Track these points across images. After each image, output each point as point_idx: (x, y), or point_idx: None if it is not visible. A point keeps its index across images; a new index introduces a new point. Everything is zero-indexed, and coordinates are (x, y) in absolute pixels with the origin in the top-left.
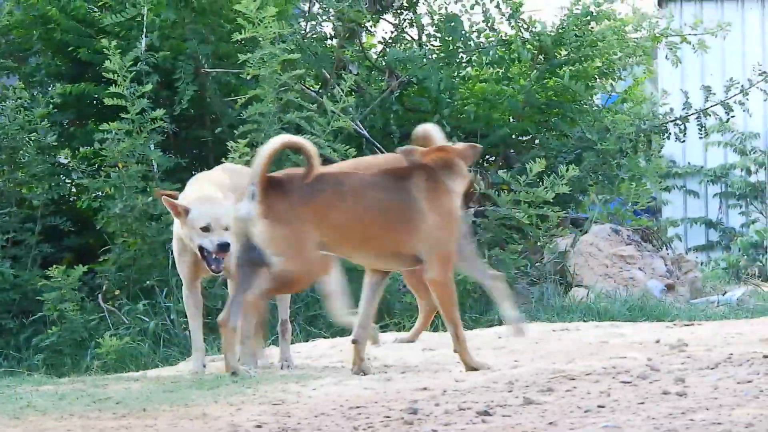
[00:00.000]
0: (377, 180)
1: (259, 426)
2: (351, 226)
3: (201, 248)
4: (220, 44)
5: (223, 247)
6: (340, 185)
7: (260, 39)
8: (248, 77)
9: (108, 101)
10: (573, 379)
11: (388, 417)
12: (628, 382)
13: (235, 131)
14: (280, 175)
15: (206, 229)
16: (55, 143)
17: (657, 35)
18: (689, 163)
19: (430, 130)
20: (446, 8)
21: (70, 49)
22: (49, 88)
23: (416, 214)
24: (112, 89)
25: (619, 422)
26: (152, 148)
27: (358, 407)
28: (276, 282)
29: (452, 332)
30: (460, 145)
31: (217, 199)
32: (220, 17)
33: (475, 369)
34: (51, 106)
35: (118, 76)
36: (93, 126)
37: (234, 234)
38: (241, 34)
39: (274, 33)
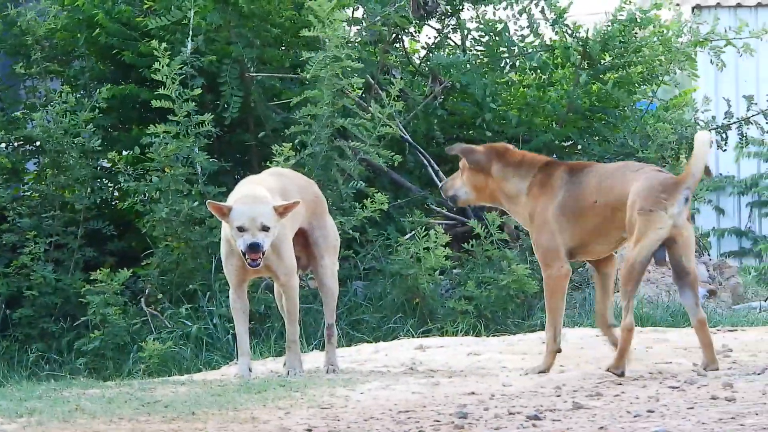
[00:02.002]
0: None
1: (309, 430)
2: None
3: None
4: (265, 49)
5: (252, 248)
6: None
7: (326, 40)
8: (306, 77)
9: (156, 103)
10: (620, 384)
11: (438, 421)
12: (676, 387)
13: (281, 134)
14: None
15: (241, 228)
16: (99, 147)
17: (701, 39)
18: (721, 174)
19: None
20: (494, 13)
21: (114, 52)
22: (94, 93)
23: None
24: (161, 91)
25: (670, 427)
26: (197, 152)
27: (407, 411)
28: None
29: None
30: None
31: (260, 199)
32: (266, 22)
33: None
34: (97, 110)
35: (167, 78)
36: (137, 130)
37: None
38: (309, 31)
39: (343, 37)
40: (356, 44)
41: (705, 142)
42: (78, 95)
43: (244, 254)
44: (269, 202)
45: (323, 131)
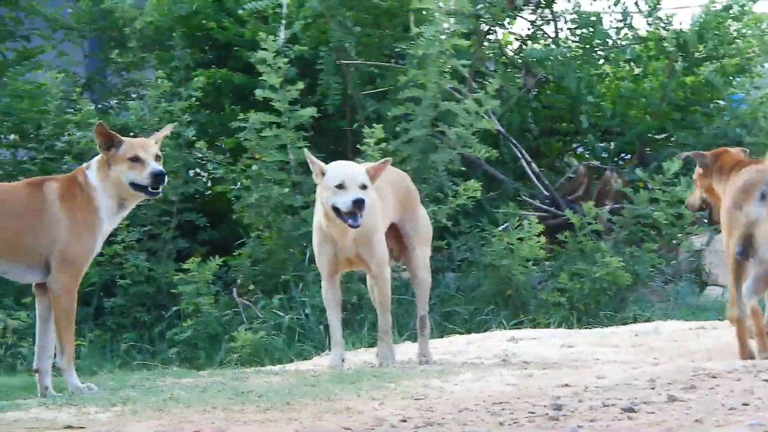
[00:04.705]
0: None
1: (403, 420)
2: None
3: (335, 208)
4: (363, 30)
5: (358, 203)
6: None
7: (436, 13)
8: (417, 54)
9: (259, 94)
10: (715, 377)
11: (533, 413)
12: None
13: (374, 125)
14: None
15: (341, 186)
16: (195, 137)
17: None
18: None
19: None
20: (591, 3)
21: (206, 34)
22: (188, 82)
23: None
24: (262, 79)
25: (765, 420)
26: (297, 141)
27: (501, 403)
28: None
29: None
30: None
31: (352, 164)
32: (365, 8)
33: None
34: (193, 99)
35: (270, 69)
36: (228, 111)
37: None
38: (420, 2)
39: (452, 8)
40: (459, 37)
41: None
42: (173, 84)
43: (343, 214)
44: (362, 168)
45: (426, 113)
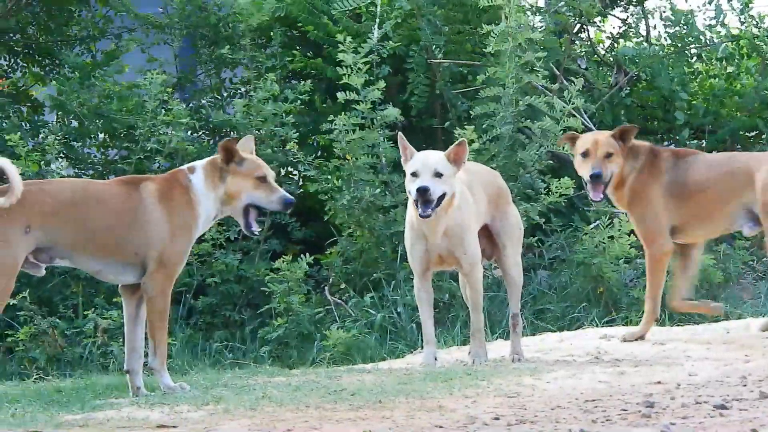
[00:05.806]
0: None
1: (496, 418)
2: None
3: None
4: (452, 28)
5: (420, 191)
6: None
7: (507, 9)
8: (489, 51)
9: (341, 96)
10: None
11: (625, 410)
12: None
13: (466, 123)
14: None
15: (415, 174)
16: (297, 139)
17: None
18: None
19: None
20: (687, 2)
21: (299, 30)
22: (299, 83)
23: None
24: (345, 80)
25: None
26: (382, 141)
27: (593, 400)
28: None
29: None
30: None
31: (435, 152)
32: (455, 6)
33: None
34: (299, 102)
35: (351, 70)
36: (319, 103)
37: None
38: (488, 1)
39: (523, 6)
40: (540, 32)
41: None
42: (271, 83)
43: (416, 203)
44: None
45: (508, 110)
